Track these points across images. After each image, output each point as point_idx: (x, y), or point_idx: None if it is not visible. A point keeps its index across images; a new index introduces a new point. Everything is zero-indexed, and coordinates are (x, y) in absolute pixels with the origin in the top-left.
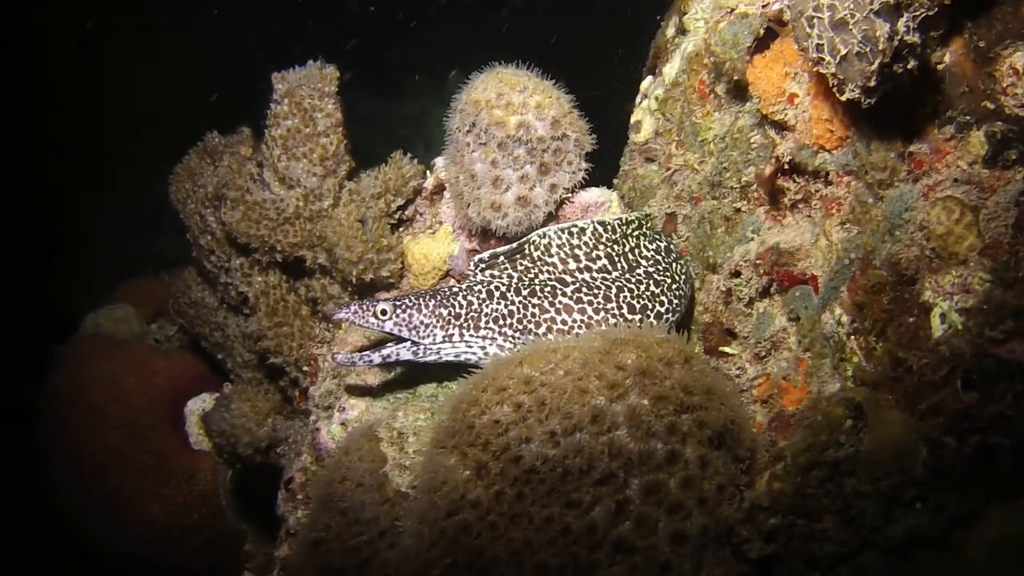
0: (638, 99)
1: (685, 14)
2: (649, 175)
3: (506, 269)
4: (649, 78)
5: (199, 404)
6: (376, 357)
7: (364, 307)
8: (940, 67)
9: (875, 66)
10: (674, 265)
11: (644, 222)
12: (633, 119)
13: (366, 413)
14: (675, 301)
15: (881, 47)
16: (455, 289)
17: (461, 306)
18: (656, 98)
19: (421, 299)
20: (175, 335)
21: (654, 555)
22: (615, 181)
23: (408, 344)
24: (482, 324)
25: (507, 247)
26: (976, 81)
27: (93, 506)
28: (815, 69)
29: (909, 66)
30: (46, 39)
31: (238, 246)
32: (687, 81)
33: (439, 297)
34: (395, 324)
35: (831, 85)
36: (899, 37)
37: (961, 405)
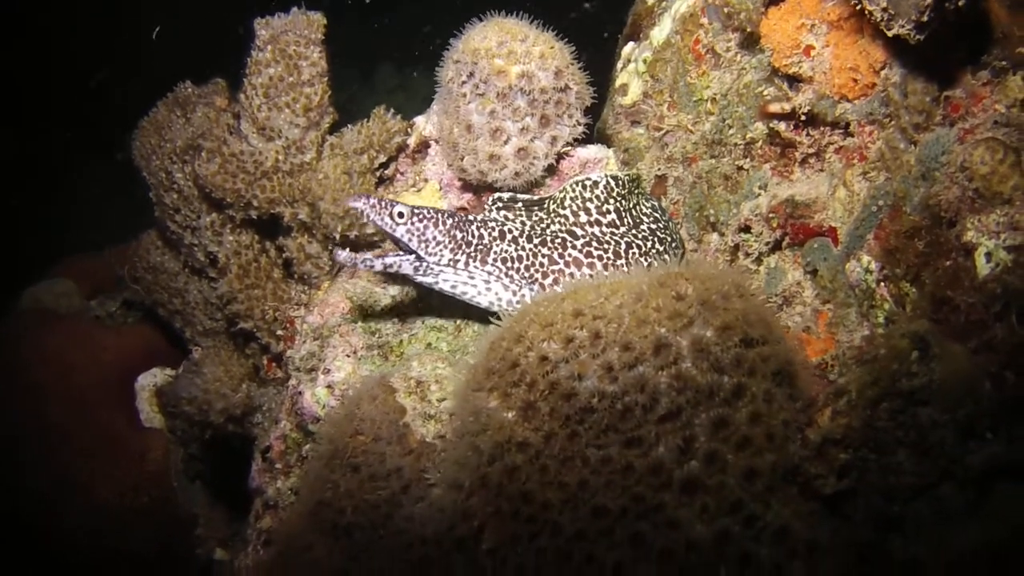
0: (619, 65)
1: None
2: (635, 138)
3: (520, 215)
4: (631, 44)
5: (150, 379)
6: (377, 263)
7: (382, 204)
8: (976, 11)
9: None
10: (670, 223)
11: (641, 180)
12: (618, 83)
13: (353, 375)
14: (675, 259)
15: None
16: (469, 218)
17: (474, 235)
18: (644, 61)
19: (439, 214)
20: (117, 311)
21: (724, 494)
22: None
23: (412, 258)
24: (490, 260)
25: (528, 196)
26: (1011, 27)
27: (40, 490)
28: (859, 7)
29: (960, 3)
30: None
31: (210, 202)
32: (680, 42)
33: (456, 218)
34: (408, 231)
35: (878, 21)
36: None
37: (1018, 340)
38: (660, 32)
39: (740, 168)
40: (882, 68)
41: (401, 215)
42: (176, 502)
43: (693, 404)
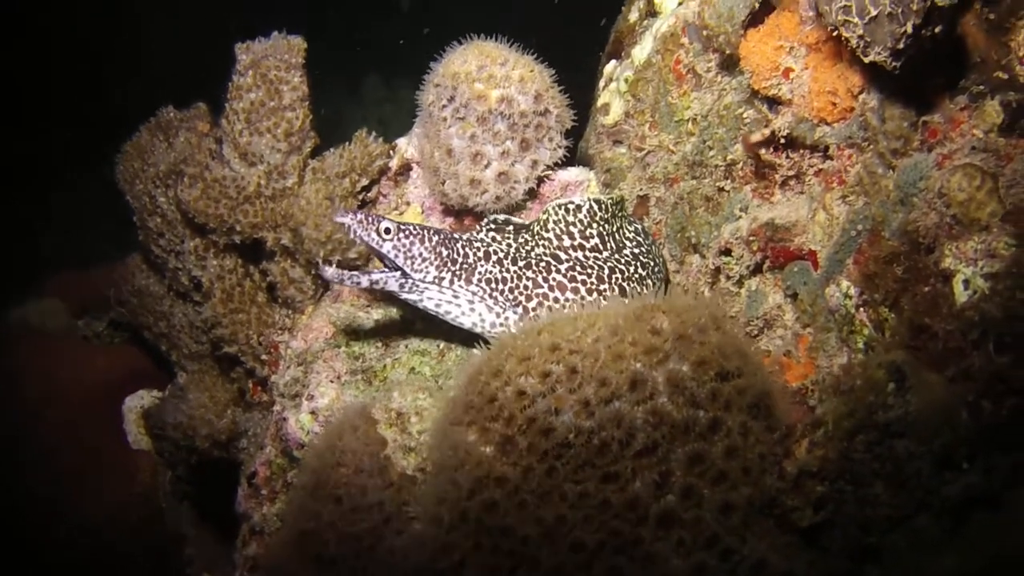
0: (601, 83)
1: None
2: (618, 158)
3: (508, 237)
4: (613, 62)
5: (137, 401)
6: (364, 280)
7: (368, 219)
8: (954, 37)
9: (906, 27)
10: (652, 247)
11: (624, 204)
12: (600, 102)
13: (337, 401)
14: (658, 284)
15: (915, 8)
16: (455, 236)
17: (459, 254)
18: (626, 80)
19: (425, 231)
20: (104, 331)
21: (701, 528)
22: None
23: (398, 275)
24: (474, 280)
25: (521, 220)
26: (989, 52)
27: (29, 506)
28: (836, 33)
29: (936, 31)
30: None
31: (193, 227)
32: (661, 62)
33: (441, 236)
34: (394, 247)
35: (854, 48)
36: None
37: (994, 368)
38: (641, 51)
39: (721, 189)
40: (860, 92)
41: (388, 231)
42: (165, 522)
43: (669, 439)
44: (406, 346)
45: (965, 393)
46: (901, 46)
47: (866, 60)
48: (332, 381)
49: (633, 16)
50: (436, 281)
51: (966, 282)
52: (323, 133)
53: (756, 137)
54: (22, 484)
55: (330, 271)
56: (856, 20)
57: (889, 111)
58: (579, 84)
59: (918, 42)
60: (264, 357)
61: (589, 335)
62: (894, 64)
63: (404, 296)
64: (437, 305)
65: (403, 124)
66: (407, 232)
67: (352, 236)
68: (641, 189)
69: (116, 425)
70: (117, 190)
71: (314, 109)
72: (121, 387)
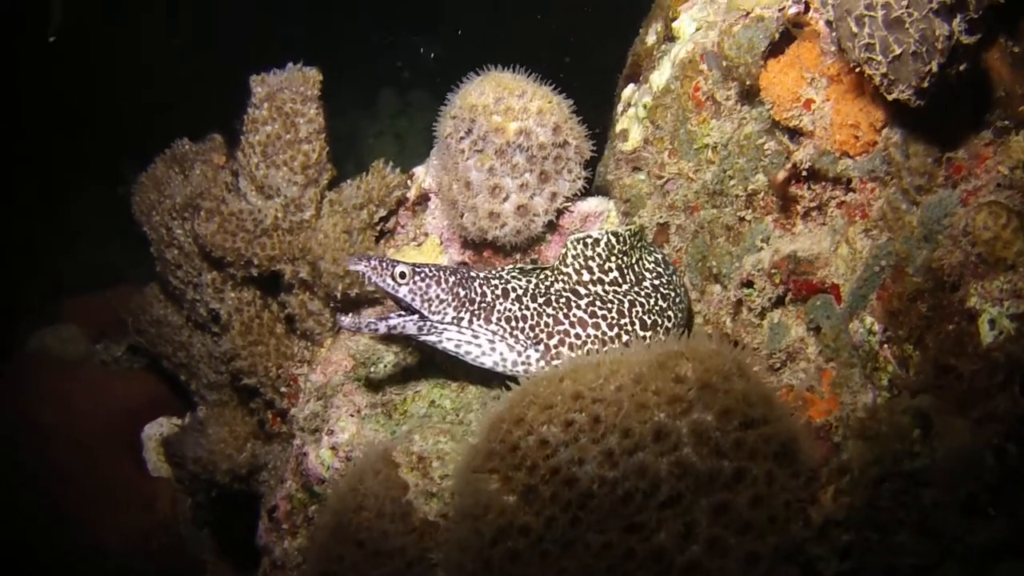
0: (619, 107)
1: (674, 20)
2: (637, 184)
3: (528, 273)
4: (631, 86)
5: (156, 429)
6: (381, 326)
7: (383, 265)
8: (978, 71)
9: (931, 66)
10: (673, 277)
11: (644, 233)
12: (618, 127)
13: (357, 436)
14: (680, 315)
15: (939, 47)
16: (472, 274)
17: (477, 293)
18: (644, 106)
19: (441, 272)
20: (123, 356)
21: None
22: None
23: (416, 318)
24: (493, 319)
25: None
26: (1013, 86)
27: (43, 534)
28: (859, 69)
29: (961, 68)
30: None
31: (211, 260)
32: (680, 88)
33: (458, 275)
34: (410, 291)
35: (878, 85)
36: (955, 38)
37: (1020, 411)
38: (660, 77)
39: (742, 219)
40: (883, 127)
41: (403, 275)
42: (184, 549)
43: (694, 490)
44: (426, 378)
45: (991, 436)
46: (926, 84)
47: (890, 98)
48: (352, 415)
49: (650, 39)
50: (455, 322)
51: (992, 322)
52: (339, 150)
53: (783, 175)
54: (39, 510)
55: (347, 320)
56: (880, 58)
57: (913, 147)
58: (595, 105)
59: (943, 80)
60: (283, 389)
61: (612, 383)
62: (918, 102)
63: (423, 338)
64: (457, 346)
65: (418, 139)
66: (423, 275)
67: (367, 283)
68: (661, 216)
69: (135, 452)
70: (127, 206)
71: (328, 125)
72: (140, 414)
